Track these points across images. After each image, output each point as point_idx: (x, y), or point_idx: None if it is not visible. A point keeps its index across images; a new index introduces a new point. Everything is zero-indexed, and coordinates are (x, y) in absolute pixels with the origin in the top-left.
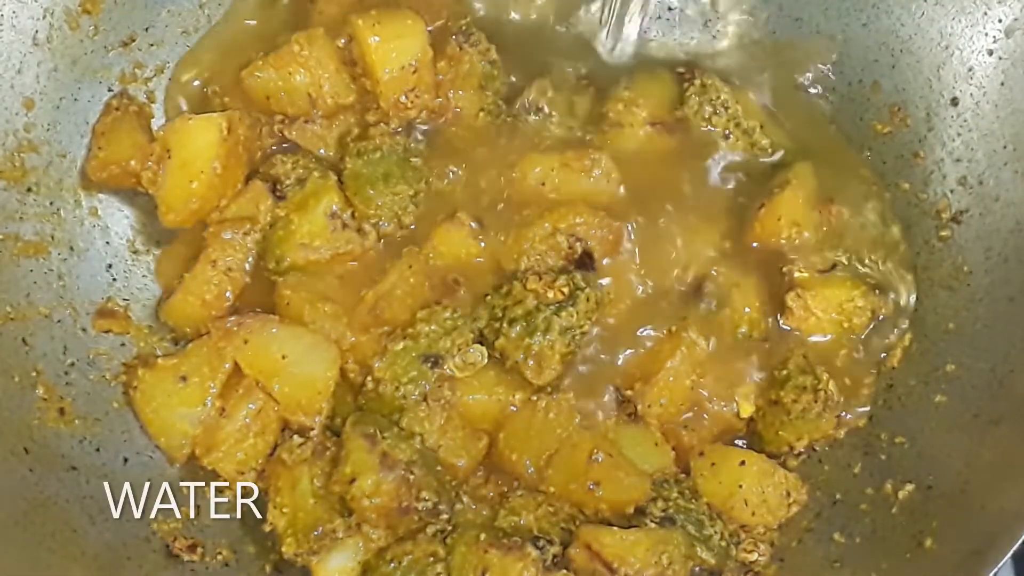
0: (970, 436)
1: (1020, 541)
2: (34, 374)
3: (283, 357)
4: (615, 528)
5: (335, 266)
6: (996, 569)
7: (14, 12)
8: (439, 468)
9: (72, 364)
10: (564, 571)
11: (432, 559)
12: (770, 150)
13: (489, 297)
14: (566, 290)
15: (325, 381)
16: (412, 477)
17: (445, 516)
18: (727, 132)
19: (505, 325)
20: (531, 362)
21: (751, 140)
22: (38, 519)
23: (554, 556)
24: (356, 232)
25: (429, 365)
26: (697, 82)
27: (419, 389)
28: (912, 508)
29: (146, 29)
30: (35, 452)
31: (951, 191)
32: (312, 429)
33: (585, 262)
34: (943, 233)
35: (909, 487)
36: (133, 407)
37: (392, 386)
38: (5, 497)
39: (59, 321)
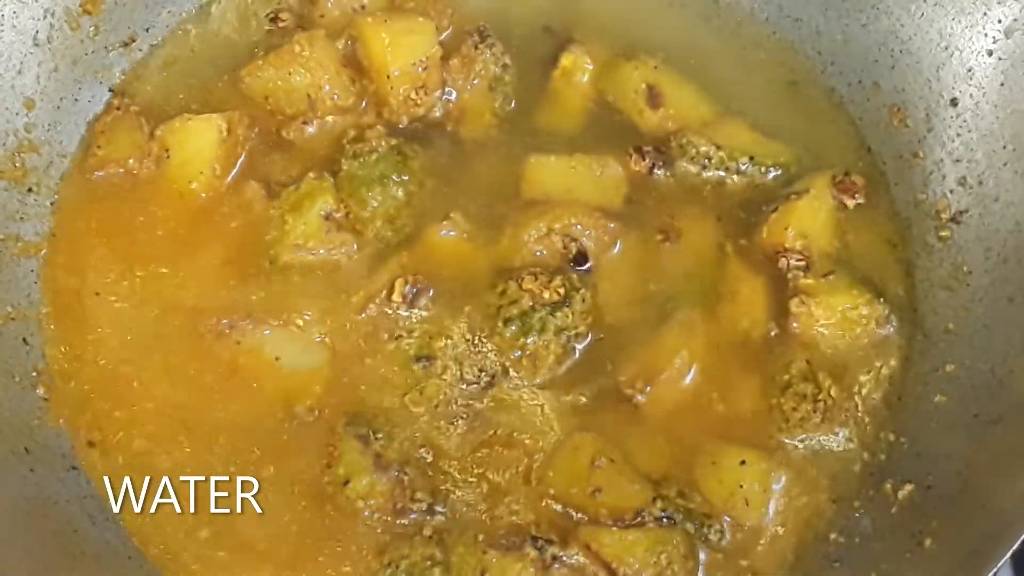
0: (970, 436)
1: (1020, 541)
2: (35, 374)
3: (276, 359)
4: (614, 528)
5: (327, 266)
6: (996, 569)
7: (15, 12)
8: (431, 470)
9: None
10: (563, 571)
11: (430, 562)
12: (771, 172)
13: (483, 297)
14: (562, 290)
15: (320, 379)
16: (406, 478)
17: (441, 517)
18: (721, 175)
19: (500, 324)
20: (525, 362)
21: (747, 176)
22: (39, 519)
23: (553, 556)
24: (351, 233)
25: (421, 366)
26: (673, 143)
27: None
28: (912, 508)
29: (146, 29)
30: (35, 452)
31: (951, 191)
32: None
33: (580, 261)
34: (943, 233)
35: (909, 487)
36: None
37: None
38: (6, 497)
39: None
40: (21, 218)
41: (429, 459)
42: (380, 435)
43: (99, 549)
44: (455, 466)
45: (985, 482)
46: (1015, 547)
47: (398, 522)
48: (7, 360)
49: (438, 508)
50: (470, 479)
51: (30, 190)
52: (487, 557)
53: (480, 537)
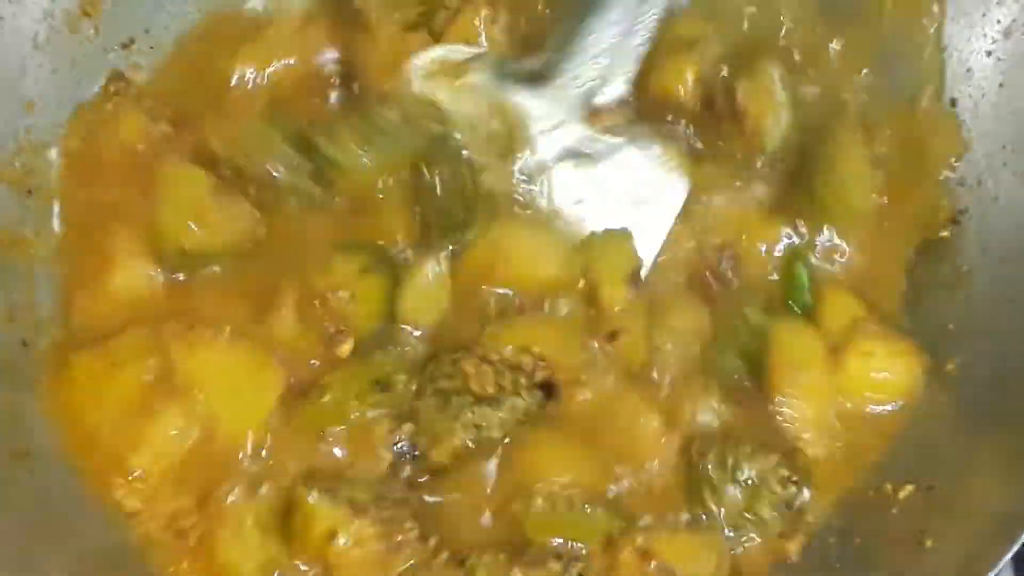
0: (970, 436)
1: (1020, 542)
2: (35, 374)
3: (223, 372)
4: (668, 531)
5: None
6: (996, 570)
7: (14, 14)
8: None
9: None
10: None
11: None
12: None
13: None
14: (499, 389)
15: (262, 407)
16: (387, 513)
17: (433, 541)
18: None
19: (429, 390)
20: (426, 439)
21: None
22: (38, 520)
23: (579, 574)
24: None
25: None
26: None
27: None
28: (912, 508)
29: (146, 31)
30: (35, 453)
31: (951, 191)
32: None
33: (547, 391)
34: (943, 233)
35: (909, 487)
36: None
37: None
38: (5, 498)
39: None
40: (21, 220)
41: (396, 493)
42: (342, 483)
43: (99, 551)
44: (424, 490)
45: (985, 482)
46: (1015, 547)
47: (397, 558)
48: (7, 360)
49: (430, 533)
50: (442, 500)
51: (30, 192)
52: (512, 574)
53: (501, 556)
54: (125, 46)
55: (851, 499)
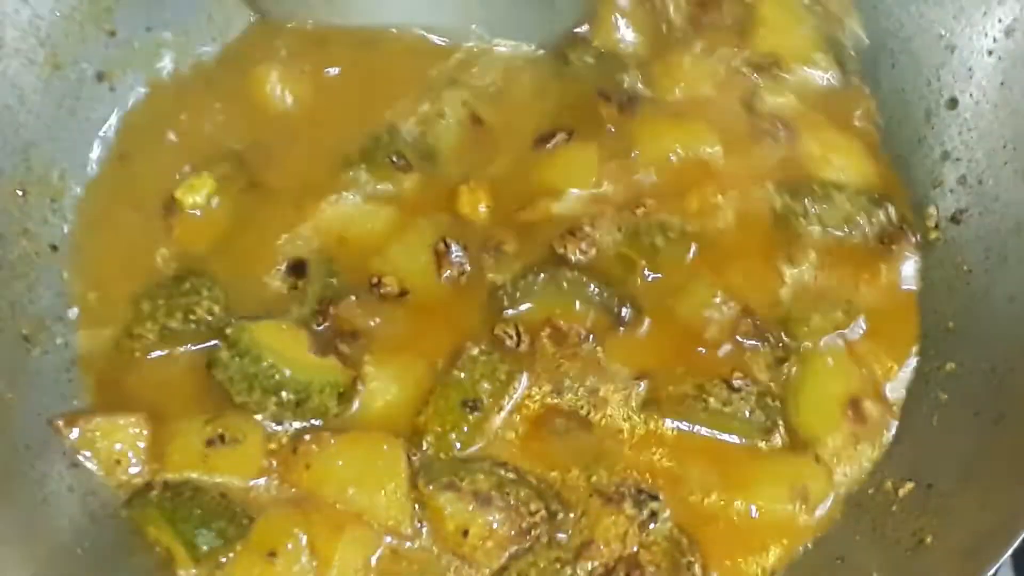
0: (970, 435)
1: (1020, 540)
2: (36, 375)
3: (348, 469)
4: None
5: None
6: (996, 567)
7: (16, 10)
8: (518, 476)
9: (74, 362)
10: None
11: (559, 563)
12: None
13: None
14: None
15: (399, 486)
16: (511, 498)
17: (561, 515)
18: None
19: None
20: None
21: None
22: (39, 516)
23: (652, 512)
24: None
25: (468, 410)
26: None
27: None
28: (912, 506)
29: (147, 30)
30: (36, 449)
31: (951, 191)
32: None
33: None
34: (942, 233)
35: (909, 485)
36: None
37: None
38: (6, 494)
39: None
40: (25, 228)
41: (514, 474)
42: (461, 474)
43: (99, 546)
44: (541, 466)
45: (985, 481)
46: (1015, 546)
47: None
48: (8, 362)
49: (556, 507)
50: (560, 471)
51: (26, 193)
52: (591, 501)
53: (592, 478)
54: (129, 44)
55: (852, 498)
